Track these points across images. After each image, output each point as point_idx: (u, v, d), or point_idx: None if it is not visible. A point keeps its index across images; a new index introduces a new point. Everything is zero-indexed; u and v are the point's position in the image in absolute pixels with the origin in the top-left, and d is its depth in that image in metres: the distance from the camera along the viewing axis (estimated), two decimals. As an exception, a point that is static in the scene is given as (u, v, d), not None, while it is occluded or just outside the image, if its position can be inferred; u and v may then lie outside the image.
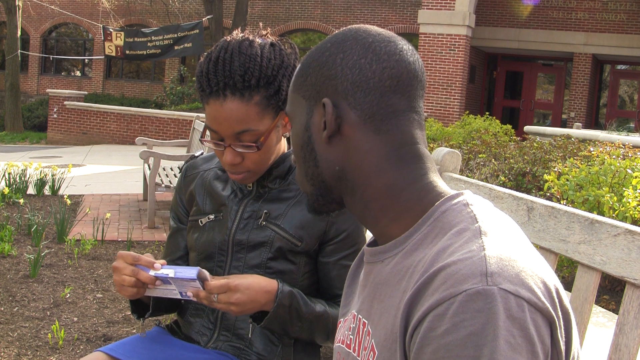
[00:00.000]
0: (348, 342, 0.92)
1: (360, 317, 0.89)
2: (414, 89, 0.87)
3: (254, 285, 1.35)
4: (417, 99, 0.88)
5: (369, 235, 1.66)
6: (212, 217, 1.56)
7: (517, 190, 4.62)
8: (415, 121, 0.88)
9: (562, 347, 0.73)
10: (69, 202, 6.18)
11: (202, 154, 1.69)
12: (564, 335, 0.74)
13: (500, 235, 0.77)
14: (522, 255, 0.74)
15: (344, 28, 0.92)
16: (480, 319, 0.68)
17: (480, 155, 6.24)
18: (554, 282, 0.75)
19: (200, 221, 1.57)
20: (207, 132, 1.48)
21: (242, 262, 1.49)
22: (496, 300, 0.68)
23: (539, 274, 0.73)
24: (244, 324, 1.50)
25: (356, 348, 0.89)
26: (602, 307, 3.37)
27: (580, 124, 13.05)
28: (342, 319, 0.99)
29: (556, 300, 0.73)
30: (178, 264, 1.64)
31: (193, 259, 1.58)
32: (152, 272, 1.32)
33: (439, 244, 0.78)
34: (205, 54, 1.45)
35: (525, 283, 0.71)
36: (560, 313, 0.74)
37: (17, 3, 17.69)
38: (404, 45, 0.89)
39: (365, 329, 0.87)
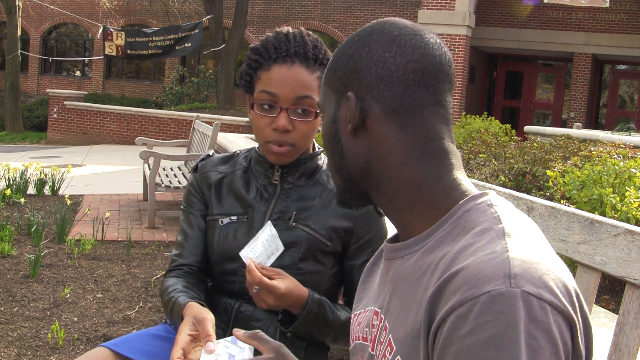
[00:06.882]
0: (365, 336, 0.92)
1: (379, 311, 0.89)
2: (439, 82, 0.86)
3: (293, 294, 1.38)
4: (443, 93, 0.87)
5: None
6: (234, 218, 1.54)
7: (517, 190, 4.61)
8: (441, 115, 0.87)
9: (583, 351, 0.73)
10: (69, 202, 6.18)
11: (213, 154, 1.68)
12: (584, 339, 0.74)
13: (524, 238, 0.76)
14: (544, 258, 0.74)
15: (375, 21, 0.92)
16: (503, 321, 0.68)
17: (480, 155, 6.24)
18: (574, 286, 0.75)
19: (221, 221, 1.55)
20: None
21: (274, 264, 1.47)
22: (518, 302, 0.68)
23: (561, 277, 0.73)
24: (258, 324, 1.50)
25: (371, 342, 0.89)
26: (602, 307, 3.36)
27: (580, 124, 13.06)
28: (355, 313, 0.99)
29: (576, 304, 0.74)
30: (196, 268, 1.58)
31: (215, 259, 1.55)
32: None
33: (461, 242, 0.77)
34: (269, 32, 1.50)
35: (548, 286, 0.70)
36: (580, 317, 0.74)
37: (17, 3, 17.67)
38: (431, 38, 0.88)
39: (381, 324, 0.87)
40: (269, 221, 1.47)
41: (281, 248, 1.44)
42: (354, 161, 0.89)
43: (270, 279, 1.37)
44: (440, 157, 0.86)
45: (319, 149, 1.59)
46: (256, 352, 1.18)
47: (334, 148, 0.92)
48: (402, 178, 0.85)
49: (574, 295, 0.74)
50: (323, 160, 1.58)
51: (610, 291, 3.73)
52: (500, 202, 0.83)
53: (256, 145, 1.59)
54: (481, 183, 1.67)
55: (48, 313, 3.55)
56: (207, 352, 1.21)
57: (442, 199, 0.84)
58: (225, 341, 1.23)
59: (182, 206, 1.65)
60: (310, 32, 1.51)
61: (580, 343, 0.73)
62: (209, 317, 1.28)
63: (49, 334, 3.21)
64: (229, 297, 1.54)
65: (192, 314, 1.30)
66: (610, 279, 3.72)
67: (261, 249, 1.42)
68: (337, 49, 0.93)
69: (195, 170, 1.63)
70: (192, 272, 1.56)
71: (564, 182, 4.01)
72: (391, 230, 1.88)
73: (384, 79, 0.85)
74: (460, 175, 0.86)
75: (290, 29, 1.50)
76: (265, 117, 1.45)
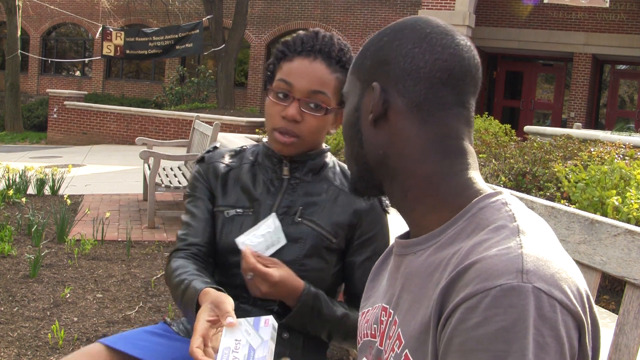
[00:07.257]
0: (373, 333, 0.92)
1: (387, 307, 0.89)
2: (465, 84, 0.87)
3: (287, 283, 1.39)
4: (467, 95, 0.88)
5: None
6: (240, 210, 1.54)
7: (517, 190, 4.60)
8: (463, 116, 0.88)
9: (589, 352, 0.74)
10: (69, 202, 6.18)
11: (220, 146, 1.69)
12: (591, 341, 0.74)
13: (538, 236, 0.77)
14: (558, 257, 0.75)
15: (408, 17, 0.93)
16: (512, 315, 0.68)
17: (480, 155, 6.24)
18: (585, 287, 0.76)
19: (227, 213, 1.55)
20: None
21: (277, 258, 1.46)
22: (529, 298, 0.69)
23: (573, 277, 0.74)
24: None
25: (379, 337, 0.90)
26: (602, 307, 3.36)
27: (580, 124, 13.06)
28: (363, 311, 1.00)
29: (586, 306, 0.74)
30: (205, 249, 1.54)
31: (219, 251, 1.54)
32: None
33: (475, 239, 0.78)
34: (300, 31, 1.53)
35: (559, 285, 0.71)
36: (589, 319, 0.74)
37: (17, 3, 17.67)
38: (461, 40, 0.89)
39: (390, 319, 0.87)
40: (274, 213, 1.48)
41: (283, 241, 1.44)
42: (372, 152, 0.90)
43: (266, 267, 1.37)
44: (457, 155, 0.86)
45: (326, 147, 1.62)
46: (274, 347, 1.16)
47: (353, 136, 0.93)
48: (418, 173, 0.86)
49: (584, 296, 0.74)
50: (330, 158, 1.61)
51: (610, 291, 3.73)
52: (514, 201, 0.84)
53: (264, 140, 1.61)
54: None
55: (48, 313, 3.55)
56: (227, 327, 1.16)
57: (456, 197, 0.85)
58: (247, 323, 1.17)
59: (186, 193, 1.64)
60: (341, 38, 1.54)
61: (588, 344, 0.73)
62: (227, 300, 1.25)
63: (49, 334, 3.21)
64: (230, 290, 1.53)
65: (210, 300, 1.26)
66: (610, 279, 3.72)
67: (261, 238, 1.42)
68: (367, 40, 0.94)
69: (201, 160, 1.63)
70: (199, 254, 1.53)
71: (568, 182, 4.00)
72: (394, 228, 1.89)
73: (410, 74, 0.86)
74: (475, 174, 0.87)
75: (323, 30, 1.53)
76: (277, 104, 1.48)
